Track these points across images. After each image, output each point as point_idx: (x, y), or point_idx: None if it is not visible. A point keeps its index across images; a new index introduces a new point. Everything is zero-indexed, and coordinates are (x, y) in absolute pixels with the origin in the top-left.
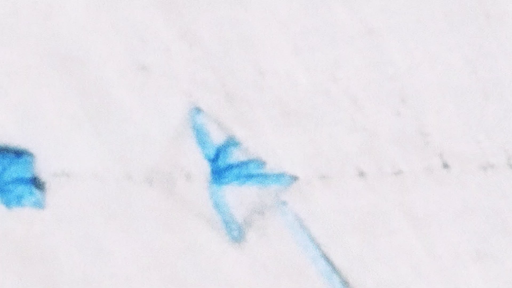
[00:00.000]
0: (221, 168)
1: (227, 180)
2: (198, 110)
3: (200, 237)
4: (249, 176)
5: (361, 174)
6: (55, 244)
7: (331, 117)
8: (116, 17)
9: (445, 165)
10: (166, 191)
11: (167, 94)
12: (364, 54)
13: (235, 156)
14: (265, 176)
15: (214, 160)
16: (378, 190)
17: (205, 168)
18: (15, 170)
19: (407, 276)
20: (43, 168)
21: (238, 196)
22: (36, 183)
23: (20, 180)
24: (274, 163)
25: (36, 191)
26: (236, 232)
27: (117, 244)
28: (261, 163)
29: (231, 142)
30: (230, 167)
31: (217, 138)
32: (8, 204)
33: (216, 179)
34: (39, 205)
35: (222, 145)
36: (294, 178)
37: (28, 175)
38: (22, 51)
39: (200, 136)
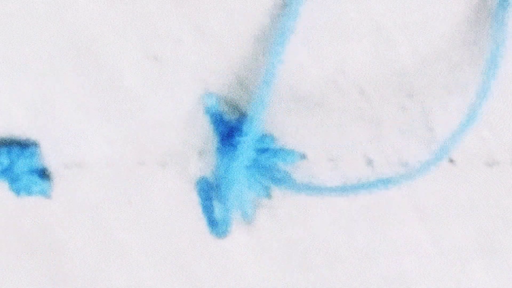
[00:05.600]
0: (234, 143)
1: (239, 154)
2: (210, 94)
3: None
4: (261, 150)
5: (369, 161)
6: (64, 235)
7: (339, 105)
8: (128, 9)
9: (451, 160)
10: (180, 171)
11: (179, 83)
12: (371, 49)
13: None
14: (275, 151)
15: (227, 136)
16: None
17: (218, 145)
18: (23, 161)
19: (411, 267)
20: (55, 158)
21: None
22: (43, 173)
23: (28, 170)
24: (284, 143)
25: (42, 181)
26: (247, 210)
27: (128, 232)
28: (272, 138)
29: (244, 120)
30: (242, 141)
31: (229, 118)
32: (18, 192)
33: (228, 154)
34: (45, 194)
35: (235, 123)
36: (303, 156)
37: (35, 165)
38: (35, 42)
39: (213, 116)
